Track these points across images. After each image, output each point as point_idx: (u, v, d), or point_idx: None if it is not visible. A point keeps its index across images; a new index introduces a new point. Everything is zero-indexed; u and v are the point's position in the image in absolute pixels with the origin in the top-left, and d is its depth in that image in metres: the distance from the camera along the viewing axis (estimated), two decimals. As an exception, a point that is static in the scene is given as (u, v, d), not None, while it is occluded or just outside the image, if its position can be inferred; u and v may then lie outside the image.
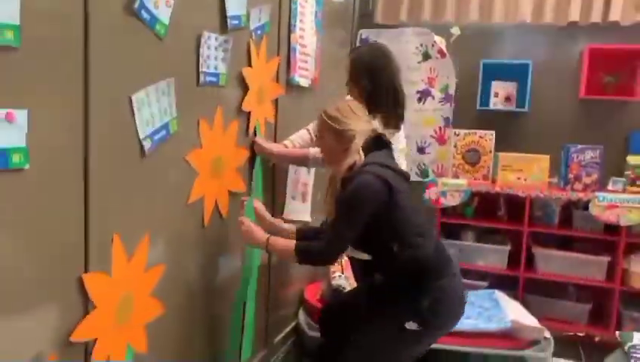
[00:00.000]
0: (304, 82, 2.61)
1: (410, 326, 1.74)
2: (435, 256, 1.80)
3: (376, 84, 2.17)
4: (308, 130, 2.44)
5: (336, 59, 3.18)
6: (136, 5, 1.40)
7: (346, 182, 1.75)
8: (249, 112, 2.11)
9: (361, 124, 1.81)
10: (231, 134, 1.99)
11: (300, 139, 2.38)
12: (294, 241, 1.82)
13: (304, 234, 2.02)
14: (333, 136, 1.81)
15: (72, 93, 1.25)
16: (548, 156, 3.26)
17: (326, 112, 1.83)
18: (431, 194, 3.34)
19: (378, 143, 1.85)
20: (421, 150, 3.45)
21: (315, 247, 1.79)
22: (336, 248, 1.77)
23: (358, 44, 3.43)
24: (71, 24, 1.23)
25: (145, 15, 1.44)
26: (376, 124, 1.90)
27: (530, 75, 3.37)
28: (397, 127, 2.25)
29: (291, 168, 2.61)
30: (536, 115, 3.46)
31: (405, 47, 3.35)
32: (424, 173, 3.45)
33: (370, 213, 1.70)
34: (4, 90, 1.08)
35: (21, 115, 1.11)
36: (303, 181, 2.73)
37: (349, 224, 1.72)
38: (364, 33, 3.48)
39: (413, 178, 3.44)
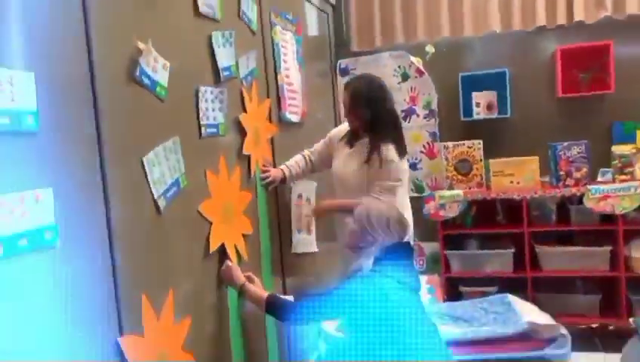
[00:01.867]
0: (295, 118, 2.69)
1: None
2: None
3: (376, 113, 2.30)
4: (303, 155, 2.54)
5: (320, 90, 3.27)
6: (137, 73, 1.47)
7: None
8: (249, 155, 2.17)
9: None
10: (235, 179, 2.05)
11: (296, 166, 2.50)
12: (264, 296, 1.88)
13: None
14: None
15: (90, 166, 1.30)
16: (536, 157, 3.36)
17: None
18: (430, 208, 3.41)
19: None
20: (413, 166, 3.51)
21: (285, 303, 1.90)
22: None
23: (338, 74, 3.53)
24: (81, 102, 1.29)
25: (146, 81, 1.51)
26: None
27: (507, 82, 3.50)
28: (406, 152, 2.37)
29: (294, 202, 2.67)
30: (518, 118, 3.57)
31: (383, 71, 3.44)
32: (419, 189, 3.52)
33: None
34: (30, 173, 1.13)
35: (47, 194, 1.16)
36: (305, 213, 2.79)
37: None
38: (342, 63, 3.58)
39: (410, 195, 3.53)
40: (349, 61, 3.57)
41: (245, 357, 2.06)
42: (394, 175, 2.34)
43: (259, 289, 1.94)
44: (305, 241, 2.76)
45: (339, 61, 3.59)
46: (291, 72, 2.68)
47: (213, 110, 1.89)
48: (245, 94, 2.15)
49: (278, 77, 2.53)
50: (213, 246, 1.84)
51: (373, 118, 2.32)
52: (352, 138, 2.46)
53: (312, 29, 3.37)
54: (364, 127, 2.33)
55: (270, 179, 2.35)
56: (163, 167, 1.57)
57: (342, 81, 3.49)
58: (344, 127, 2.56)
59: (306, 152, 2.59)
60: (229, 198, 1.99)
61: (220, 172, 1.92)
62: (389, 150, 2.33)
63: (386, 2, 3.68)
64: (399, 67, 3.48)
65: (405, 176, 2.48)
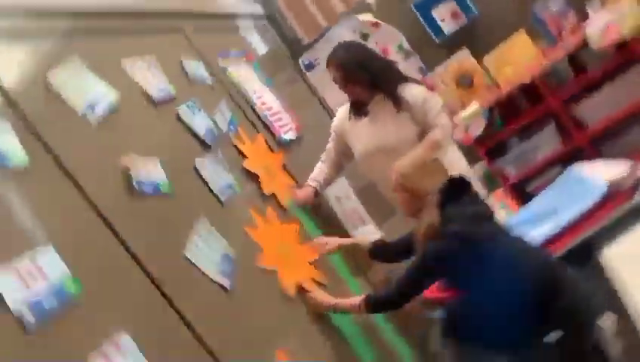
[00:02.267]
0: (292, 134, 2.70)
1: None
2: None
3: (372, 68, 2.26)
4: (322, 161, 2.50)
5: (299, 96, 3.27)
6: (135, 186, 1.49)
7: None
8: (272, 193, 2.19)
9: (434, 182, 1.80)
10: (273, 220, 2.07)
11: (321, 174, 2.47)
12: (359, 300, 1.86)
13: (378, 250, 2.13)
14: (408, 195, 1.85)
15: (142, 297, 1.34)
16: (523, 30, 3.27)
17: (401, 169, 1.87)
18: (458, 135, 3.35)
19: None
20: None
21: (380, 297, 1.87)
22: (399, 298, 1.83)
23: (305, 71, 3.52)
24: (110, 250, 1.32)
25: (147, 189, 1.54)
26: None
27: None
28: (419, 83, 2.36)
29: (335, 204, 2.67)
30: (488, 9, 3.46)
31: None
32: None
33: None
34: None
35: (128, 341, 1.17)
36: (350, 209, 2.80)
37: (414, 280, 1.82)
38: (304, 59, 3.57)
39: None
40: (309, 55, 3.56)
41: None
42: (434, 98, 2.33)
43: (349, 298, 1.94)
44: (366, 233, 2.77)
45: (300, 60, 3.58)
46: (265, 98, 2.69)
47: (219, 175, 1.92)
48: (237, 142, 2.18)
49: (256, 108, 2.55)
50: (292, 291, 1.86)
51: (372, 75, 2.25)
52: (360, 107, 2.35)
53: (262, 48, 3.38)
54: (370, 88, 2.26)
55: (303, 200, 2.36)
56: (206, 251, 1.60)
57: (312, 76, 3.50)
58: (342, 111, 2.49)
59: (323, 157, 2.55)
60: (279, 239, 2.01)
61: (257, 222, 1.95)
62: (409, 87, 2.29)
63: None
64: (354, 31, 3.46)
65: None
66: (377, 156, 2.28)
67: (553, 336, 1.71)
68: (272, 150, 2.44)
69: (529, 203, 3.03)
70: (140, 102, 1.78)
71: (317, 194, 2.45)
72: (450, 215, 1.76)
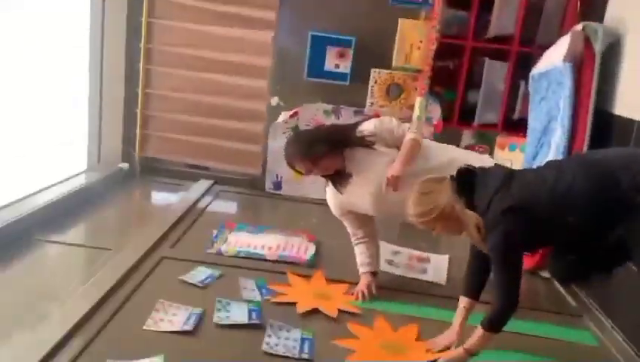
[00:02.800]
0: (312, 250, 2.70)
1: None
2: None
3: (326, 137, 2.30)
4: (355, 244, 2.46)
5: (284, 214, 3.29)
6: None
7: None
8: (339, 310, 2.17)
9: (441, 195, 1.77)
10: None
11: (368, 256, 2.42)
12: (481, 331, 1.80)
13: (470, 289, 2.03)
14: (439, 221, 1.78)
15: None
16: (400, 19, 3.39)
17: (411, 214, 1.82)
18: (426, 133, 3.38)
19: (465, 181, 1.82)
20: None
21: (496, 315, 1.78)
22: (513, 300, 1.75)
23: (274, 191, 3.59)
24: None
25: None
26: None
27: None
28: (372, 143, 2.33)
29: (390, 268, 2.63)
30: (359, 30, 3.59)
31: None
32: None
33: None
34: None
35: None
36: (405, 260, 2.75)
37: (512, 273, 1.75)
38: (268, 186, 3.67)
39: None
40: (267, 180, 3.67)
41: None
42: (385, 118, 2.39)
43: (472, 339, 1.84)
44: (438, 264, 2.72)
45: (267, 188, 3.67)
46: (268, 242, 2.72)
47: (288, 338, 1.90)
48: (279, 298, 2.20)
49: (269, 257, 2.57)
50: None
51: (328, 141, 2.28)
52: (341, 175, 2.34)
53: (232, 208, 3.46)
54: (334, 152, 2.28)
55: (367, 290, 2.31)
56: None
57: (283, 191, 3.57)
58: (330, 194, 2.45)
59: (354, 240, 2.48)
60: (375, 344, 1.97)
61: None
62: (361, 126, 2.34)
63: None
64: (284, 133, 3.57)
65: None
66: (387, 195, 2.26)
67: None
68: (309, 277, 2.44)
69: (529, 127, 3.03)
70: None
71: (375, 274, 2.41)
72: (482, 202, 1.74)
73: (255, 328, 1.98)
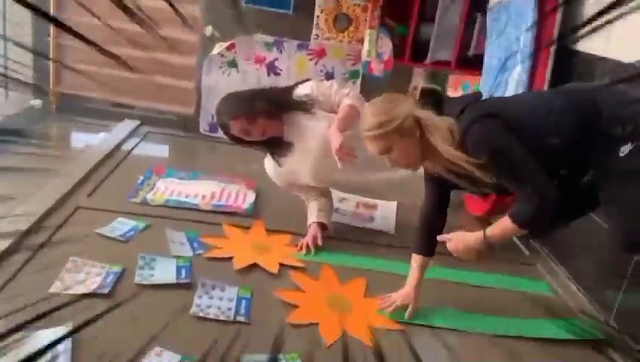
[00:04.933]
0: (251, 198, 2.45)
1: None
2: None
3: (262, 97, 2.07)
4: (306, 201, 2.26)
5: (224, 159, 3.03)
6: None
7: (466, 150, 1.48)
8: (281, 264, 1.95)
9: (405, 104, 1.53)
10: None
11: (314, 207, 2.23)
12: (505, 219, 1.51)
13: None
14: (398, 139, 1.52)
15: None
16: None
17: (367, 128, 1.54)
18: (376, 67, 3.12)
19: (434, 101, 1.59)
20: (330, 76, 3.28)
21: (528, 209, 1.47)
22: (546, 191, 1.46)
23: (210, 134, 3.28)
24: None
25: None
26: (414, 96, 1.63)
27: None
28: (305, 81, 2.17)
29: (337, 217, 2.43)
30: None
31: (228, 79, 3.20)
32: (355, 74, 3.28)
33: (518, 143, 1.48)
34: None
35: None
36: (352, 208, 2.56)
37: (524, 166, 1.47)
38: (204, 127, 3.33)
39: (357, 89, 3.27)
40: (202, 121, 3.32)
41: None
42: (323, 82, 2.18)
43: (497, 227, 1.55)
44: (386, 211, 2.54)
45: (201, 129, 3.34)
46: (202, 190, 2.44)
47: (222, 300, 1.67)
48: (214, 253, 1.94)
49: (202, 207, 2.30)
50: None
51: (266, 100, 2.06)
52: (280, 145, 2.13)
53: (163, 151, 3.13)
54: (271, 114, 2.06)
55: (311, 243, 2.11)
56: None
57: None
58: (269, 166, 2.24)
59: (304, 198, 2.28)
60: (321, 298, 1.77)
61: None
62: (298, 89, 2.13)
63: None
64: (221, 68, 3.23)
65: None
66: (329, 162, 2.03)
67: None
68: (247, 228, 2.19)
69: (485, 64, 2.84)
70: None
71: (324, 228, 2.20)
72: (453, 112, 1.54)
73: (184, 288, 1.74)
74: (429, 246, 1.79)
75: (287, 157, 2.15)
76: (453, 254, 1.63)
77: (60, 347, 1.39)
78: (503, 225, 1.53)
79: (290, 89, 2.15)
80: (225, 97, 2.13)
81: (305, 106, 2.09)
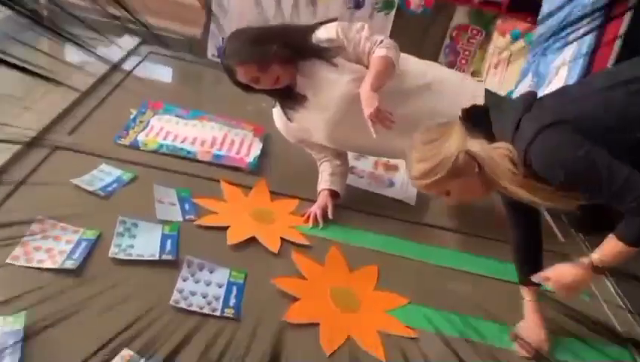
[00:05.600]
0: (257, 149, 2.15)
1: None
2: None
3: (278, 37, 1.71)
4: (319, 162, 1.97)
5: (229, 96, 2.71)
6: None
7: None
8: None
9: (452, 139, 1.27)
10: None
11: (327, 171, 1.93)
12: (613, 238, 1.23)
13: None
14: (454, 181, 1.29)
15: None
16: None
17: (416, 176, 1.31)
18: (413, 4, 2.70)
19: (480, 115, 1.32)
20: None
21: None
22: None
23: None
24: None
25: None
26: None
27: None
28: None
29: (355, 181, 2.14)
30: None
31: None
32: (389, 5, 2.85)
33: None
34: None
35: None
36: (369, 170, 2.26)
37: (614, 174, 1.16)
38: (212, 53, 2.96)
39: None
40: (210, 44, 2.95)
41: None
42: (352, 25, 1.77)
43: (607, 248, 1.26)
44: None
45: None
46: (202, 135, 2.13)
47: (208, 288, 1.42)
48: (205, 221, 1.68)
49: (200, 157, 2.00)
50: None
51: (284, 48, 1.70)
52: (292, 95, 1.80)
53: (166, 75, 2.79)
54: (286, 60, 1.71)
55: (319, 214, 1.83)
56: None
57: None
58: (278, 118, 1.93)
59: (317, 158, 1.99)
60: (325, 289, 1.52)
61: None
62: (319, 32, 1.75)
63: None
64: None
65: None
66: (349, 123, 1.75)
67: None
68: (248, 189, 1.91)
69: (541, 10, 2.41)
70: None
71: (336, 196, 1.92)
72: (506, 127, 1.24)
73: (167, 265, 1.49)
74: (532, 267, 1.47)
75: (299, 112, 1.82)
76: (558, 293, 1.33)
77: (8, 340, 1.16)
78: (613, 248, 1.23)
79: (310, 30, 1.78)
80: (232, 35, 1.77)
81: (326, 54, 1.73)
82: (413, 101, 1.76)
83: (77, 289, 1.33)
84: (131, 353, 1.19)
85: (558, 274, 1.31)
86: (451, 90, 1.78)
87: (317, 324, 1.42)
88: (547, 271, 1.34)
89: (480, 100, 1.58)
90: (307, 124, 1.84)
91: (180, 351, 1.22)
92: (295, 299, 1.48)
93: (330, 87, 1.73)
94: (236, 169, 2.01)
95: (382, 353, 1.38)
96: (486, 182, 1.28)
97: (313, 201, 1.89)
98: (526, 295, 1.55)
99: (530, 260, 1.52)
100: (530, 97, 1.31)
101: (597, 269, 1.26)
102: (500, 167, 1.23)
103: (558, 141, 1.17)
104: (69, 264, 1.39)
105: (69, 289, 1.33)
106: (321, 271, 1.62)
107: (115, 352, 1.18)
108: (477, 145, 1.25)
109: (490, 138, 1.26)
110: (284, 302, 1.47)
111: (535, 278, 1.37)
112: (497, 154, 1.24)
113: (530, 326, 1.52)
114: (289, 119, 1.86)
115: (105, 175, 1.79)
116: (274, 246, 1.65)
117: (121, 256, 1.46)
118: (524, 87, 2.41)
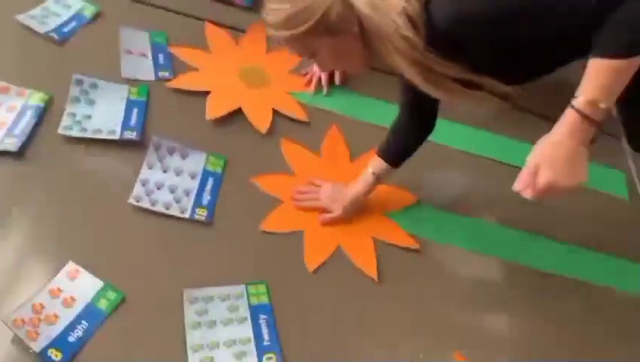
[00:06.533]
0: None
1: None
2: None
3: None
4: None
5: None
6: None
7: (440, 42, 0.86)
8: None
9: None
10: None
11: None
12: (594, 63, 0.79)
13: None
14: (322, 38, 0.93)
15: None
16: None
17: (271, 24, 0.94)
18: None
19: None
20: None
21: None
22: None
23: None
24: None
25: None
26: None
27: None
28: None
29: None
30: None
31: None
32: None
33: None
34: None
35: None
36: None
37: None
38: None
39: None
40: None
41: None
42: None
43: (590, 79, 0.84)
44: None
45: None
46: None
47: (190, 174, 1.19)
48: (180, 83, 1.37)
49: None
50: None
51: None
52: None
53: None
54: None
55: (324, 78, 1.50)
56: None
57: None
58: None
59: None
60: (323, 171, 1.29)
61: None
62: None
63: None
64: None
65: None
66: None
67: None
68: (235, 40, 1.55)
69: None
70: None
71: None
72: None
73: (129, 146, 1.25)
74: (400, 152, 1.22)
75: None
76: (545, 181, 0.82)
77: None
78: (599, 75, 0.80)
79: None
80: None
81: None
82: None
83: (15, 181, 1.12)
84: (77, 267, 1.03)
85: (545, 161, 0.83)
86: None
87: (300, 232, 1.22)
88: (526, 170, 0.85)
89: None
90: None
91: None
92: (277, 203, 1.25)
93: None
94: (228, 3, 1.61)
95: (373, 271, 1.19)
96: (368, 51, 0.93)
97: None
98: (373, 166, 1.23)
99: (404, 143, 1.22)
100: None
101: (591, 121, 0.80)
102: (388, 26, 0.85)
103: None
104: (9, 144, 1.15)
105: (5, 179, 1.12)
106: (313, 164, 1.34)
107: (57, 269, 1.01)
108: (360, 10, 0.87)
109: None
110: (265, 203, 1.24)
111: (525, 194, 0.86)
112: (388, 5, 0.85)
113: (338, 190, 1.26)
114: None
115: (62, 8, 1.44)
116: (262, 125, 1.37)
117: (74, 133, 1.21)
118: None
